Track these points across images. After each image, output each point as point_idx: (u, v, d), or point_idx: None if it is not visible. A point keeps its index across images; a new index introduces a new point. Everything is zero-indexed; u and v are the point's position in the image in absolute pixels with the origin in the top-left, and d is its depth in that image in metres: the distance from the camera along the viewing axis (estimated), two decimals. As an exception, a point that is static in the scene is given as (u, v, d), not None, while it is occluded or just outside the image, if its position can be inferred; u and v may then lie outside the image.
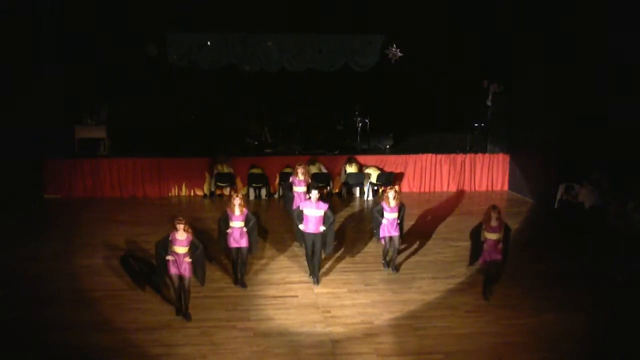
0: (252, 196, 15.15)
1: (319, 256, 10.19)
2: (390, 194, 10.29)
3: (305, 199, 10.47)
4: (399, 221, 10.35)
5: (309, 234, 10.02)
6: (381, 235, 10.40)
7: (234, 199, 9.79)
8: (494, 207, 9.40)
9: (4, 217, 12.79)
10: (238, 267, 9.91)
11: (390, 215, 10.26)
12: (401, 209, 10.45)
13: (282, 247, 11.67)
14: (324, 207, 10.04)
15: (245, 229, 9.76)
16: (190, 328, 8.52)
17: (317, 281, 10.10)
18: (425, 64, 16.73)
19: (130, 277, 10.13)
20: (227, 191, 15.11)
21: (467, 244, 11.27)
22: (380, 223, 10.32)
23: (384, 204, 10.31)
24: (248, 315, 8.92)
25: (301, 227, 10.14)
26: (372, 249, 11.52)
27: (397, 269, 10.56)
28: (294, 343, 8.20)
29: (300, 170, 11.57)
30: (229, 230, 9.72)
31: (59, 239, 11.87)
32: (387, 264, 10.68)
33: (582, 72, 13.50)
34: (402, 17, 16.31)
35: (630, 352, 8.16)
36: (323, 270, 10.49)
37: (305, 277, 10.29)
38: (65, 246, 11.52)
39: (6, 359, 7.80)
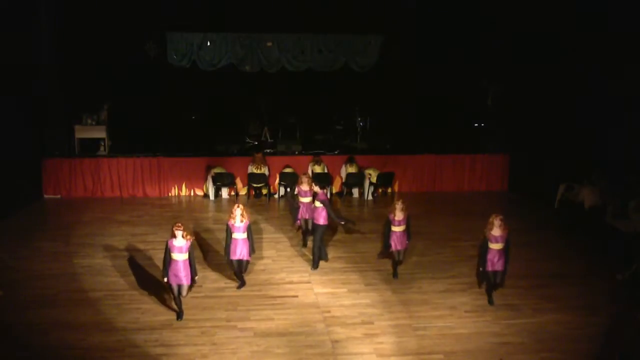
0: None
1: (319, 243, 10.62)
2: (398, 205, 9.94)
3: (311, 208, 10.93)
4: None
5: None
6: (391, 249, 10.09)
7: (234, 210, 9.51)
8: (496, 215, 8.93)
9: (4, 217, 12.78)
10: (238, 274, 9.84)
11: (398, 229, 9.98)
12: (408, 220, 10.09)
13: (282, 247, 11.66)
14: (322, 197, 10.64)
15: (247, 239, 9.58)
16: (190, 328, 8.51)
17: (315, 266, 10.53)
18: (425, 63, 16.72)
19: (130, 277, 10.12)
20: (227, 191, 15.11)
21: (467, 244, 11.36)
22: (388, 236, 10.04)
23: (391, 216, 9.97)
24: (248, 315, 8.92)
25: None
26: (372, 249, 11.49)
27: (396, 275, 10.30)
28: (294, 343, 8.20)
29: (305, 180, 11.40)
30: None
31: (59, 239, 11.86)
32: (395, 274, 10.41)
33: (582, 72, 13.50)
34: (402, 18, 16.29)
35: (630, 352, 8.16)
36: (323, 270, 10.52)
37: (305, 277, 10.29)
38: (65, 246, 11.52)
39: (6, 359, 7.79)
